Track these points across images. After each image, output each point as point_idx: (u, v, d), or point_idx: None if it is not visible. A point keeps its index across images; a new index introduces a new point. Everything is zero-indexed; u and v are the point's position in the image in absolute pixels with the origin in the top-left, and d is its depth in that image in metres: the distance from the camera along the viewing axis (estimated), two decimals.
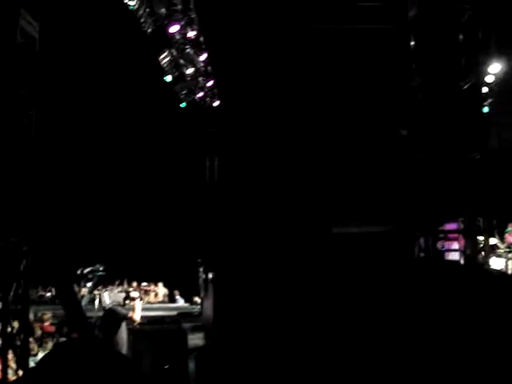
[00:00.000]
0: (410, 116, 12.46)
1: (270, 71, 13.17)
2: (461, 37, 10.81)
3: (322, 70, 11.81)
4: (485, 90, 13.23)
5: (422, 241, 14.23)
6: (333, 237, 14.33)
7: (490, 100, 13.14)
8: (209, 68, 14.78)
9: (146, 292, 17.36)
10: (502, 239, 15.93)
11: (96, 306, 10.96)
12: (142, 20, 11.64)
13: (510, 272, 16.20)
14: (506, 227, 16.69)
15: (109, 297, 10.59)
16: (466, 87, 11.23)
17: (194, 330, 10.87)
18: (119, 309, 9.81)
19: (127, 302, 10.67)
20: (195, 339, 9.97)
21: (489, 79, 13.28)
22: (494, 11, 10.83)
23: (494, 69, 13.05)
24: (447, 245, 15.92)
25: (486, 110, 13.10)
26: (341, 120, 12.58)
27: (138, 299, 10.31)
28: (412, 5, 10.63)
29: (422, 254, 13.66)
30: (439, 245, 15.55)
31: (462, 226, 14.50)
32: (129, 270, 16.44)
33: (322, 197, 13.48)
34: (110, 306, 10.02)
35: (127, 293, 11.13)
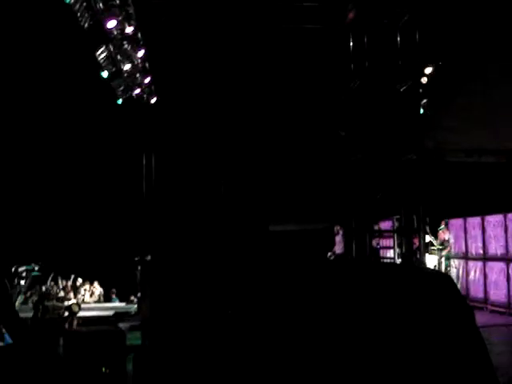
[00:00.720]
0: (349, 117, 12.64)
1: (208, 69, 13.08)
2: (398, 39, 11.04)
3: (261, 69, 11.83)
4: (420, 91, 13.52)
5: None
6: (270, 234, 14.61)
7: (425, 101, 13.46)
8: (146, 64, 14.57)
9: (80, 290, 17.04)
10: (435, 237, 16.41)
11: (39, 315, 10.77)
12: (79, 14, 11.38)
13: (442, 268, 16.67)
14: (439, 225, 17.19)
15: (52, 308, 10.51)
16: (403, 89, 11.46)
17: (132, 329, 10.71)
18: (62, 324, 9.87)
19: (66, 314, 10.71)
20: (133, 339, 9.82)
21: (424, 81, 13.59)
22: (430, 15, 11.11)
23: (430, 71, 13.37)
24: (382, 242, 16.30)
25: (421, 111, 13.42)
26: (280, 120, 12.66)
27: (77, 314, 10.44)
28: (351, 7, 10.78)
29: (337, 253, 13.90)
30: (374, 242, 15.88)
31: (396, 223, 14.83)
32: (64, 268, 16.08)
33: (260, 195, 13.57)
34: (52, 317, 10.03)
35: (68, 306, 11.13)
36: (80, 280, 17.13)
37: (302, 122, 12.93)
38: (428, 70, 12.98)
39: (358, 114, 11.99)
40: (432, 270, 13.46)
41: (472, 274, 15.34)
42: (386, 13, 10.71)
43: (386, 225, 16.11)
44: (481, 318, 13.95)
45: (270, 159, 13.46)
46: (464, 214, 15.88)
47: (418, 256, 15.31)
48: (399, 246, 14.22)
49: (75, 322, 10.47)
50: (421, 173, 12.56)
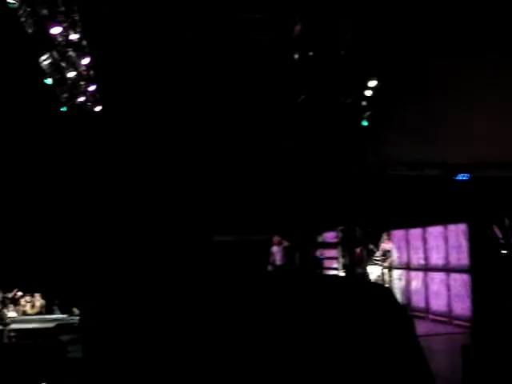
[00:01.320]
0: (295, 130, 12.68)
1: (153, 78, 12.91)
2: (342, 53, 11.19)
3: (207, 79, 11.77)
4: (364, 104, 13.72)
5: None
6: (214, 245, 14.39)
7: (368, 113, 13.68)
8: (91, 72, 14.36)
9: (20, 301, 16.60)
10: (377, 247, 16.66)
11: None
12: (23, 19, 11.13)
13: (386, 279, 16.93)
14: (381, 236, 17.48)
15: None
16: (347, 102, 11.62)
17: (74, 342, 10.39)
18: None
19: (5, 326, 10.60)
20: (75, 352, 9.52)
21: (368, 94, 13.77)
22: (373, 32, 11.31)
23: (372, 84, 13.59)
24: (326, 253, 16.47)
25: (365, 123, 13.62)
26: (226, 131, 12.63)
27: (8, 326, 10.37)
28: (297, 20, 10.84)
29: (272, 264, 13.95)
30: (318, 253, 16.02)
31: (340, 234, 15.01)
32: (5, 280, 15.61)
33: (203, 206, 13.52)
34: None
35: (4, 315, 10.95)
36: (20, 292, 16.69)
37: (249, 135, 12.95)
38: (371, 84, 13.20)
39: (304, 128, 12.03)
40: (371, 281, 13.67)
41: (414, 283, 15.65)
42: (332, 27, 10.83)
43: (330, 235, 16.30)
44: (422, 328, 14.22)
45: (215, 171, 13.44)
46: (407, 225, 16.20)
47: (361, 267, 15.55)
48: (343, 256, 14.40)
49: (6, 334, 10.19)
50: (364, 185, 12.73)
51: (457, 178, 15.51)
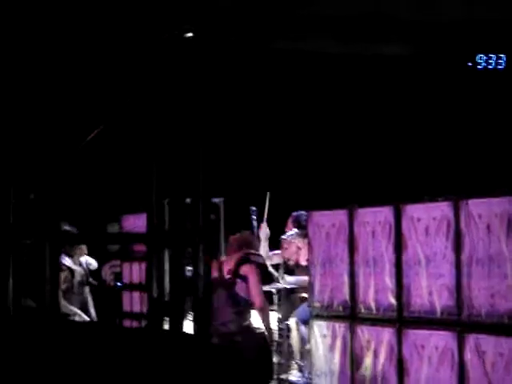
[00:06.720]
0: None
1: None
2: None
3: None
4: None
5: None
6: None
7: None
8: None
9: None
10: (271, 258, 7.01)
11: None
12: None
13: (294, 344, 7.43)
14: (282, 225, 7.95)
15: None
16: None
17: None
18: None
19: None
20: None
21: None
22: None
23: None
24: (128, 274, 6.43)
25: None
26: None
27: None
28: None
29: None
30: (108, 269, 6.45)
31: (156, 220, 5.25)
32: None
33: None
34: None
35: None
36: None
37: None
38: None
39: None
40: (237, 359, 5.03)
41: (368, 360, 5.87)
42: None
43: (137, 223, 6.19)
44: None
45: None
46: (347, 200, 6.42)
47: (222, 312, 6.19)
48: (157, 282, 4.63)
49: None
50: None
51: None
